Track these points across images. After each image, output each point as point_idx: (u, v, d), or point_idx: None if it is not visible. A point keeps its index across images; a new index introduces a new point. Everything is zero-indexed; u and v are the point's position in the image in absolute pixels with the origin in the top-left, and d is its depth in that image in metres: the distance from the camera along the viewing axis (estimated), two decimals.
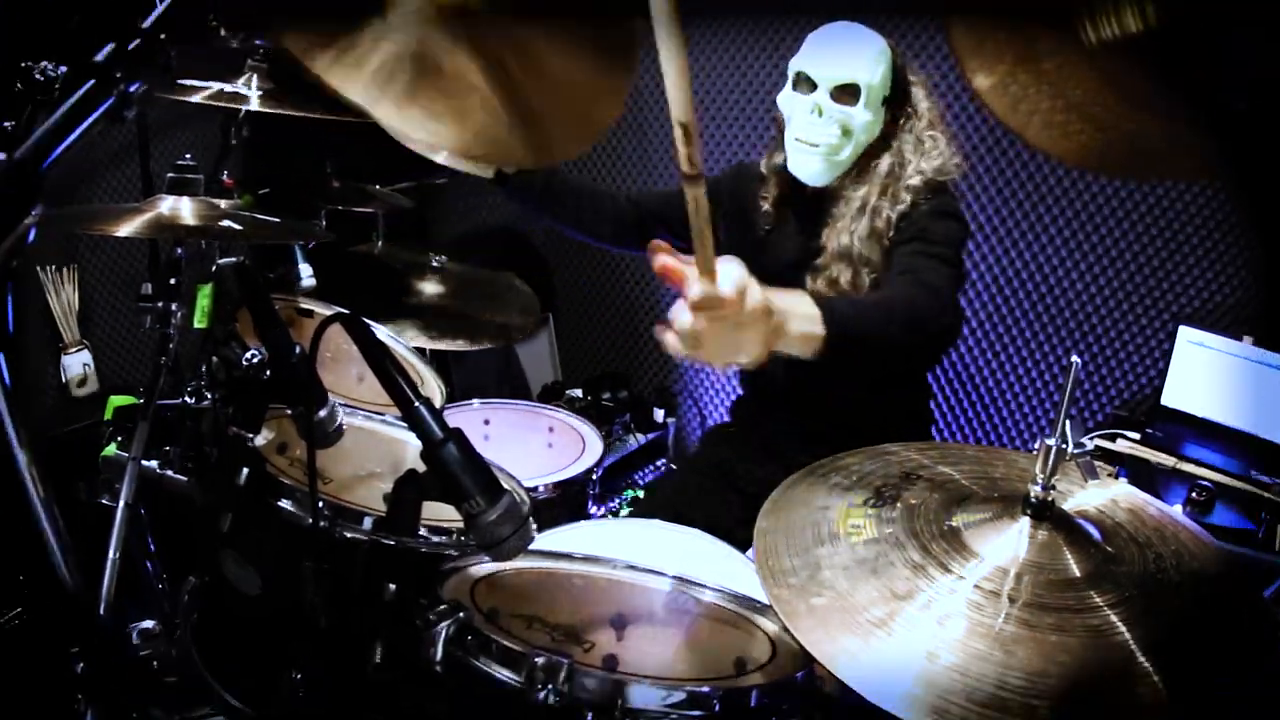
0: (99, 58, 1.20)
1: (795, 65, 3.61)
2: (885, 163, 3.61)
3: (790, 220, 3.86)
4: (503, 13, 1.75)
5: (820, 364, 2.69)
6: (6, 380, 1.18)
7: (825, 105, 3.51)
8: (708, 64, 5.86)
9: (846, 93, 3.51)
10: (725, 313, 2.11)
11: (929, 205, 3.57)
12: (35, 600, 4.06)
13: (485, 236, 7.00)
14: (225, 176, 3.87)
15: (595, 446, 4.10)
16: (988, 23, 1.75)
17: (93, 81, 1.18)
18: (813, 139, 3.55)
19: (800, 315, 2.50)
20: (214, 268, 3.18)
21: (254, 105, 3.77)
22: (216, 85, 3.79)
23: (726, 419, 4.56)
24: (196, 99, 3.71)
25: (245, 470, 2.87)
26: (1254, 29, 1.54)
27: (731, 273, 2.12)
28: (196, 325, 3.23)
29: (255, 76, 3.93)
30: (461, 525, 2.22)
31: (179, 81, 3.43)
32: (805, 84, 3.58)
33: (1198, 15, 1.61)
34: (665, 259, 2.11)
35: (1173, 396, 4.47)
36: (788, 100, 3.65)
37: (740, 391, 4.43)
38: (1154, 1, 1.60)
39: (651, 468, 6.10)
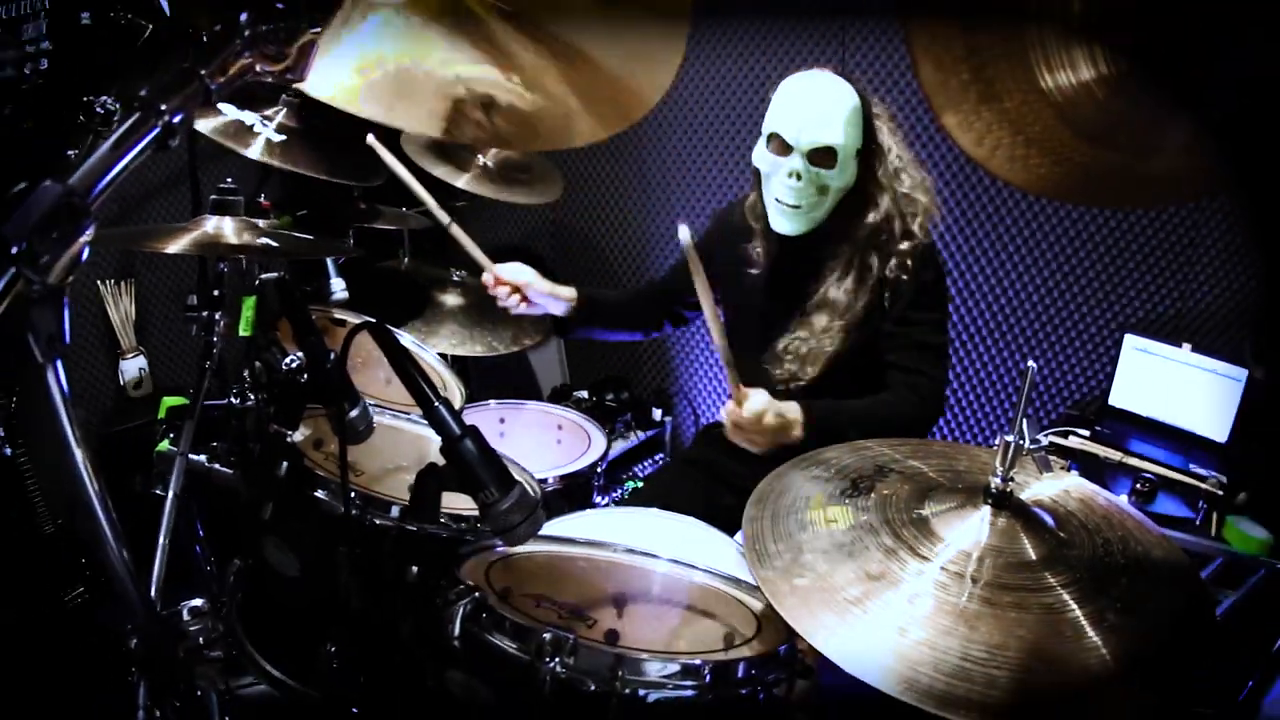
0: (143, 92, 1.19)
1: (769, 125, 3.47)
2: (870, 218, 3.52)
3: (782, 265, 3.77)
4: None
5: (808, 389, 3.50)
6: (65, 386, 1.17)
7: (803, 170, 3.40)
8: (717, 62, 5.86)
9: (823, 155, 3.40)
10: (748, 425, 3.24)
11: (921, 280, 3.51)
12: (95, 581, 4.07)
13: (501, 252, 6.96)
14: (263, 199, 3.87)
15: (599, 442, 4.09)
16: (952, 64, 1.75)
17: (139, 113, 1.18)
18: (792, 201, 3.46)
19: (799, 423, 3.30)
20: (257, 281, 3.18)
21: (256, 153, 3.78)
22: (238, 115, 3.80)
23: (718, 419, 4.56)
24: (205, 128, 3.72)
25: (285, 464, 2.86)
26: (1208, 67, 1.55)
27: (754, 402, 3.23)
28: (241, 333, 3.23)
29: (284, 110, 3.93)
30: (478, 513, 2.21)
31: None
32: (780, 145, 3.45)
33: (1148, 58, 1.61)
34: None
35: (1119, 397, 4.48)
36: (763, 159, 3.53)
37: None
38: (1104, 50, 1.60)
39: (650, 461, 6.11)
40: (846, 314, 3.53)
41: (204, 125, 3.72)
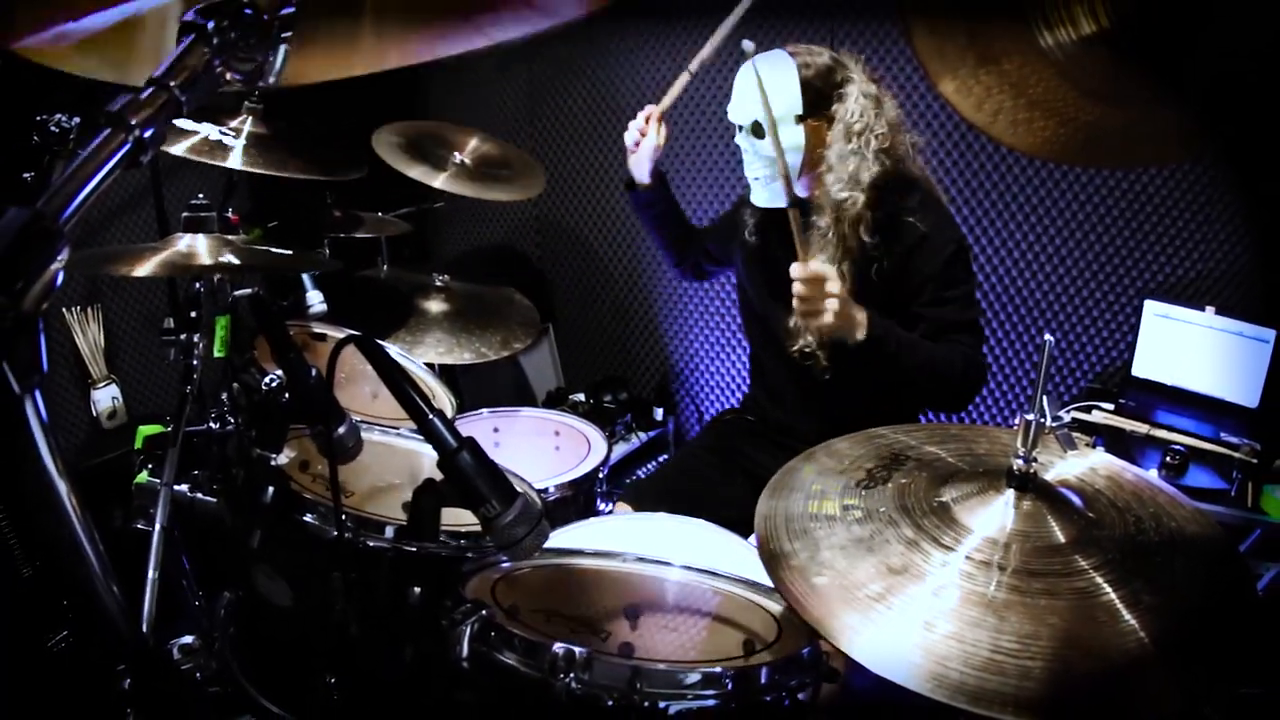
0: (114, 106, 1.20)
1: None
2: (830, 183, 3.64)
3: (774, 240, 3.91)
4: None
5: (834, 374, 3.68)
6: (44, 415, 1.18)
7: (746, 144, 3.76)
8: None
9: (756, 130, 3.67)
10: (816, 285, 3.27)
11: (944, 255, 3.63)
12: (80, 622, 4.07)
13: (483, 254, 7.02)
14: (230, 213, 3.88)
15: (600, 447, 4.10)
16: (948, 29, 1.76)
17: (108, 130, 1.19)
18: (752, 174, 3.81)
19: (863, 322, 3.39)
20: (230, 299, 3.18)
21: (236, 163, 3.79)
22: (205, 130, 3.81)
23: (730, 408, 4.61)
24: (179, 150, 3.73)
25: (271, 489, 2.87)
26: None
27: (819, 263, 3.38)
28: (216, 354, 3.23)
29: (250, 119, 3.94)
30: (479, 529, 2.22)
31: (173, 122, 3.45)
32: (735, 126, 3.77)
33: (1151, 11, 1.62)
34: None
35: (1142, 367, 4.49)
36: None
37: (750, 388, 4.46)
38: (1103, 2, 1.61)
39: (654, 463, 6.12)
40: (855, 290, 3.55)
41: (177, 148, 3.72)
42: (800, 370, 3.81)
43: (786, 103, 3.60)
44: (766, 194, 3.78)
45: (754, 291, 4.16)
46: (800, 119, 3.62)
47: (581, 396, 6.20)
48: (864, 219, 3.59)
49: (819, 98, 3.62)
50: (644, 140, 4.17)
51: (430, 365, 4.27)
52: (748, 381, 4.54)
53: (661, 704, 2.24)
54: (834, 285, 3.29)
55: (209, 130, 3.81)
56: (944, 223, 3.71)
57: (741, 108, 3.70)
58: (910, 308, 3.62)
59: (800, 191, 3.70)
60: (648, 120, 4.16)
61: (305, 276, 4.25)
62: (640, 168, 4.28)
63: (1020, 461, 2.26)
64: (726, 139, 5.82)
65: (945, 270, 3.61)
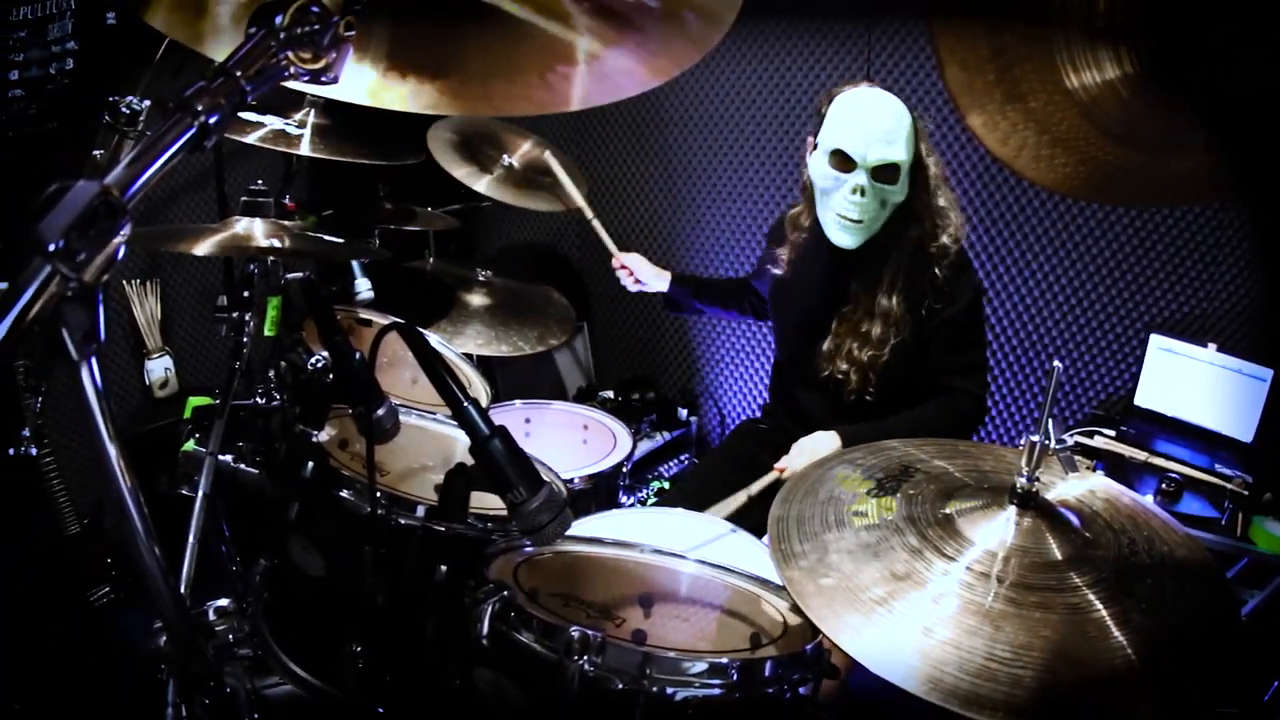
0: (187, 93, 1.21)
1: (832, 142, 3.52)
2: (914, 229, 3.63)
3: (815, 270, 3.89)
4: None
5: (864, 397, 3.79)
6: (99, 382, 1.19)
7: (867, 185, 3.48)
8: (742, 62, 5.87)
9: (888, 171, 3.48)
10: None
11: (965, 299, 3.70)
12: (121, 580, 4.09)
13: (526, 253, 7.02)
14: (288, 200, 3.89)
15: (625, 442, 4.10)
16: (978, 65, 1.75)
17: (177, 114, 1.19)
18: (856, 216, 3.55)
19: (835, 435, 3.67)
20: (282, 281, 3.19)
21: (305, 150, 3.81)
22: (271, 122, 3.82)
23: (744, 417, 4.62)
24: (252, 139, 3.74)
25: (310, 464, 2.88)
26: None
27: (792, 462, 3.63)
28: (266, 333, 3.24)
29: (312, 112, 3.95)
30: (505, 513, 2.22)
31: (239, 115, 3.47)
32: (843, 161, 3.51)
33: (1172, 57, 1.61)
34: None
35: (1145, 397, 4.47)
36: (823, 175, 3.58)
37: (770, 400, 4.48)
38: (1128, 49, 1.61)
39: (676, 462, 6.11)
40: (897, 322, 3.65)
41: (251, 137, 3.74)
42: (827, 391, 3.86)
43: (911, 149, 3.52)
44: (862, 236, 3.62)
45: (783, 320, 4.17)
46: (911, 167, 3.55)
47: (610, 394, 6.18)
48: (933, 258, 3.65)
49: (917, 153, 3.57)
50: (634, 274, 4.56)
51: (469, 355, 4.28)
52: (767, 389, 4.55)
53: (669, 690, 2.23)
54: (799, 458, 3.63)
55: (274, 121, 3.83)
56: (966, 267, 3.77)
57: (879, 147, 3.47)
58: (928, 342, 3.69)
59: (873, 233, 3.64)
60: (619, 267, 4.57)
61: (355, 264, 4.26)
62: (655, 285, 4.65)
63: (1023, 480, 2.26)
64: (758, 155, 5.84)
65: (964, 315, 3.68)
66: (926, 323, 3.67)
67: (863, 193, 3.48)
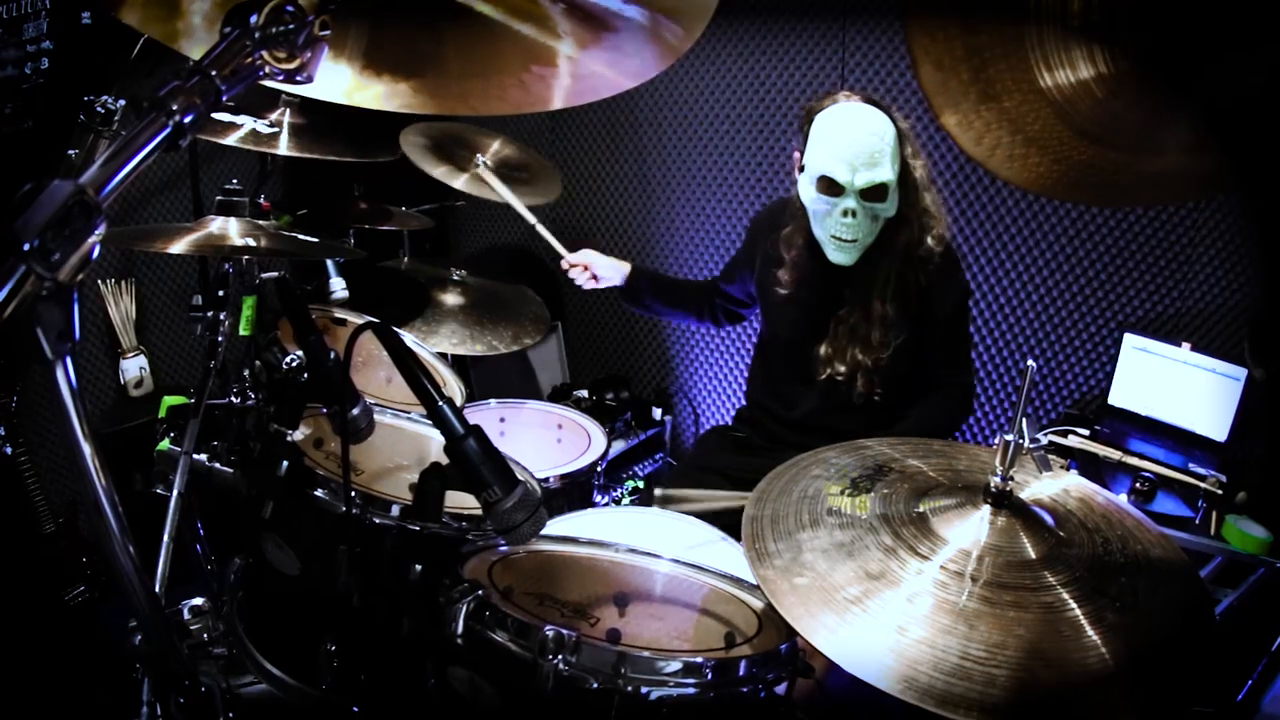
0: (162, 92, 1.20)
1: (818, 168, 3.53)
2: (904, 234, 3.66)
3: (811, 281, 3.91)
4: None
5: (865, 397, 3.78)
6: (74, 381, 1.19)
7: (857, 208, 3.51)
8: (716, 60, 5.87)
9: (876, 192, 3.50)
10: None
11: (957, 296, 3.79)
12: (96, 579, 4.08)
13: (500, 252, 7.02)
14: (263, 199, 3.89)
15: (599, 442, 4.09)
16: (952, 65, 1.76)
17: (151, 114, 1.19)
18: (849, 236, 3.58)
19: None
20: (257, 281, 3.18)
21: (282, 149, 3.81)
22: (247, 122, 3.82)
23: (718, 419, 4.62)
24: (231, 140, 3.74)
25: (285, 463, 2.87)
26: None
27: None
28: (242, 333, 3.24)
29: (288, 111, 3.95)
30: (480, 512, 2.22)
31: (214, 115, 3.47)
32: (831, 186, 3.53)
33: (1146, 57, 1.62)
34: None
35: (1119, 397, 4.50)
36: (813, 199, 3.61)
37: (744, 402, 4.46)
38: (1103, 49, 1.61)
39: (650, 461, 6.12)
40: (893, 324, 3.70)
41: (230, 139, 3.74)
42: (825, 390, 3.90)
43: (898, 163, 3.53)
44: (857, 253, 3.65)
45: (783, 328, 4.13)
46: (898, 179, 3.55)
47: (585, 393, 6.18)
48: (923, 260, 3.70)
49: (904, 162, 3.58)
50: (589, 270, 4.51)
51: (443, 355, 4.27)
52: (744, 390, 4.55)
53: (644, 689, 2.23)
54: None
55: (249, 122, 3.82)
56: (955, 266, 3.82)
57: (865, 171, 3.47)
58: (924, 340, 3.75)
59: (867, 247, 3.67)
60: (571, 266, 4.52)
61: (330, 263, 4.26)
62: (613, 278, 4.57)
63: (998, 479, 2.27)
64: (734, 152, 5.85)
65: (956, 313, 3.77)
66: (922, 322, 3.72)
67: (854, 214, 3.52)
